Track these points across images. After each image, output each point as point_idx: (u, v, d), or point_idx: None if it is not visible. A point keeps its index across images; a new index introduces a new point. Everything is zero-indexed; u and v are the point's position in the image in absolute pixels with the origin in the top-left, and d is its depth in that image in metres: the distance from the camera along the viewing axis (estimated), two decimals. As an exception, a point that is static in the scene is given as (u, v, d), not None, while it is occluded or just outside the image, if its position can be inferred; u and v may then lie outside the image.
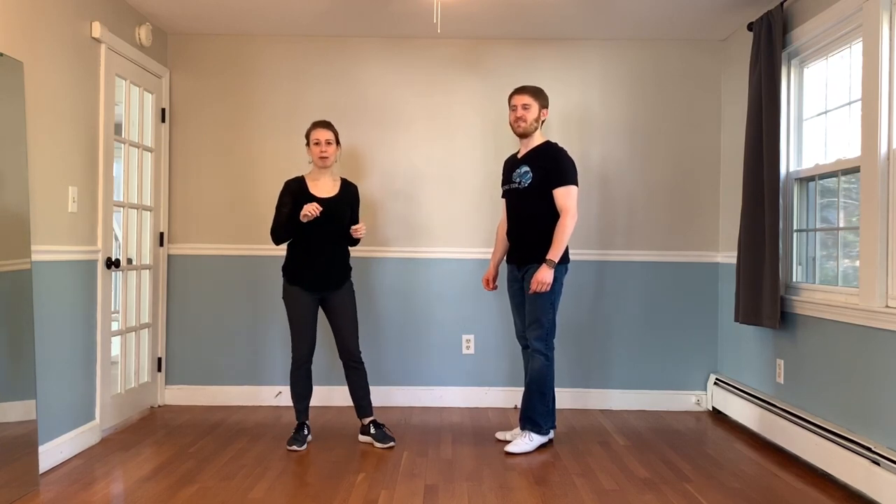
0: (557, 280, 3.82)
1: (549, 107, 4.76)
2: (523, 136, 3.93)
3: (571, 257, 4.73)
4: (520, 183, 3.87)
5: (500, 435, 4.05)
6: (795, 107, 3.97)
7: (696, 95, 4.85)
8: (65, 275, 3.58)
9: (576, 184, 3.83)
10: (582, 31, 4.69)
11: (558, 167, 3.82)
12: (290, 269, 3.85)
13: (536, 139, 3.92)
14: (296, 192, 3.83)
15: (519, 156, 3.97)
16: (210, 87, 4.83)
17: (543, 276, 3.72)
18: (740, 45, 4.55)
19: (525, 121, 3.87)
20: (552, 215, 3.80)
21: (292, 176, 4.80)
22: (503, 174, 4.06)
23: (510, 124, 3.96)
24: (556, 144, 3.93)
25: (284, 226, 3.81)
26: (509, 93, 4.04)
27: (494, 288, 4.15)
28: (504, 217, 4.06)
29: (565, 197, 3.79)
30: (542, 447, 3.88)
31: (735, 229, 4.45)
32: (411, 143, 4.83)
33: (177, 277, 4.81)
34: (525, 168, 3.87)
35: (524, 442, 3.82)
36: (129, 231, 4.40)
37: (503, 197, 4.05)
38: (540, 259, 3.78)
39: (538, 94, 3.91)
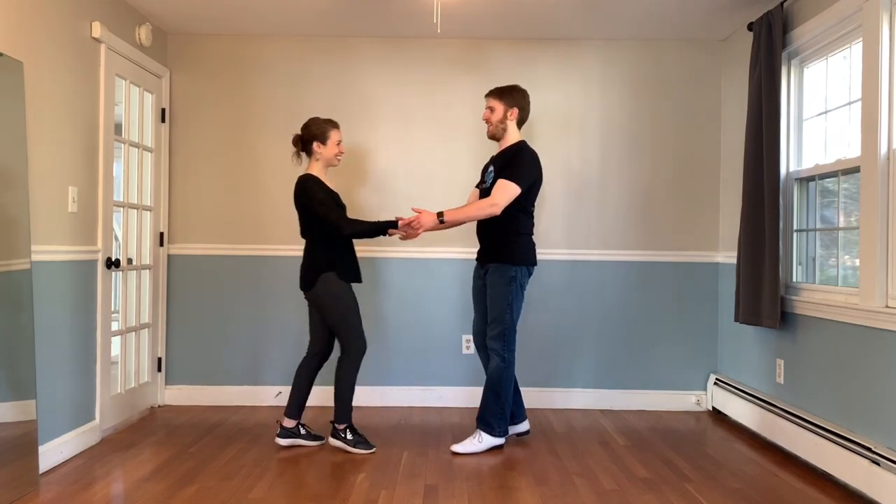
0: (515, 281, 3.76)
1: (550, 106, 4.77)
2: (492, 138, 3.92)
3: (571, 256, 4.77)
4: (486, 182, 3.89)
5: (458, 448, 3.79)
6: (795, 107, 3.97)
7: (696, 95, 4.85)
8: (65, 275, 3.58)
9: (519, 185, 3.69)
10: (582, 31, 4.69)
11: (511, 163, 3.75)
12: (343, 265, 3.75)
13: (510, 139, 3.87)
14: (324, 188, 3.79)
15: (492, 157, 3.98)
16: (210, 87, 4.83)
17: (423, 220, 3.65)
18: (740, 45, 4.55)
19: (490, 123, 3.88)
20: (513, 215, 3.75)
21: (290, 175, 4.81)
22: (482, 174, 4.06)
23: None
24: (523, 145, 3.85)
25: (365, 223, 3.73)
26: None
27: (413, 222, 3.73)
28: (473, 194, 4.08)
29: (500, 188, 3.69)
30: (493, 449, 3.81)
31: (735, 229, 4.45)
32: (411, 142, 4.83)
33: (177, 277, 4.81)
34: (491, 168, 3.89)
35: (473, 442, 3.77)
36: (129, 231, 4.40)
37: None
38: (500, 258, 3.77)
39: (504, 95, 3.84)
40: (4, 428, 2.99)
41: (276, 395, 4.80)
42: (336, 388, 3.77)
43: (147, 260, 4.57)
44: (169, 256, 4.81)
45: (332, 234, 3.72)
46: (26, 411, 3.13)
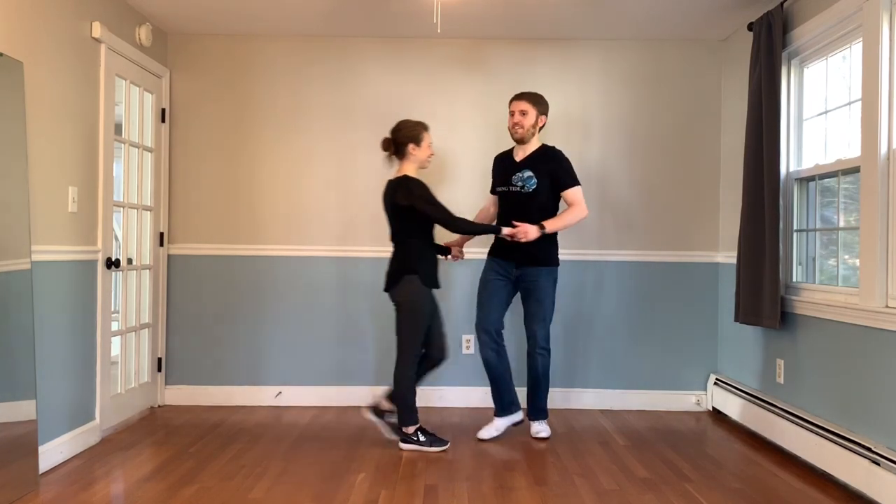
0: (557, 281, 4.06)
1: (550, 107, 4.80)
2: (520, 141, 4.03)
3: (571, 256, 4.77)
4: (523, 187, 3.98)
5: (483, 434, 4.03)
6: (795, 107, 3.97)
7: (696, 95, 4.85)
8: (65, 275, 3.58)
9: (580, 185, 4.05)
10: (582, 31, 4.69)
11: (566, 171, 4.01)
12: (427, 270, 3.78)
13: (533, 143, 4.04)
14: (427, 188, 3.82)
15: (517, 159, 4.03)
16: (210, 87, 4.83)
17: (530, 232, 3.81)
18: (740, 45, 4.55)
19: (522, 127, 3.98)
20: (552, 217, 3.97)
21: (290, 176, 4.82)
22: (498, 174, 4.15)
23: (508, 129, 4.03)
24: (555, 148, 4.07)
25: (473, 223, 3.86)
26: (510, 93, 4.09)
27: (458, 256, 4.19)
28: (490, 208, 4.27)
29: (577, 194, 4.01)
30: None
31: (735, 229, 4.45)
32: (411, 143, 4.83)
33: (177, 277, 4.81)
34: (528, 173, 3.97)
35: (546, 426, 4.08)
36: (129, 231, 4.40)
37: (493, 194, 4.22)
38: (548, 262, 3.98)
39: (537, 101, 4.00)
40: (4, 428, 2.99)
41: (276, 394, 4.80)
42: (395, 393, 3.81)
43: (147, 260, 4.57)
44: (169, 256, 4.81)
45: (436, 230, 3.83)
46: (26, 411, 3.13)
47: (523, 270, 3.97)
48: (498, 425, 4.05)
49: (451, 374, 4.82)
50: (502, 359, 4.04)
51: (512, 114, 4.00)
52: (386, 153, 3.91)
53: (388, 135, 3.90)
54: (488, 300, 4.05)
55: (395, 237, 3.85)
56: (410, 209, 3.74)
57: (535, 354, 4.01)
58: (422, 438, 3.79)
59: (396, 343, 3.82)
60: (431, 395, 4.81)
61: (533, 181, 3.95)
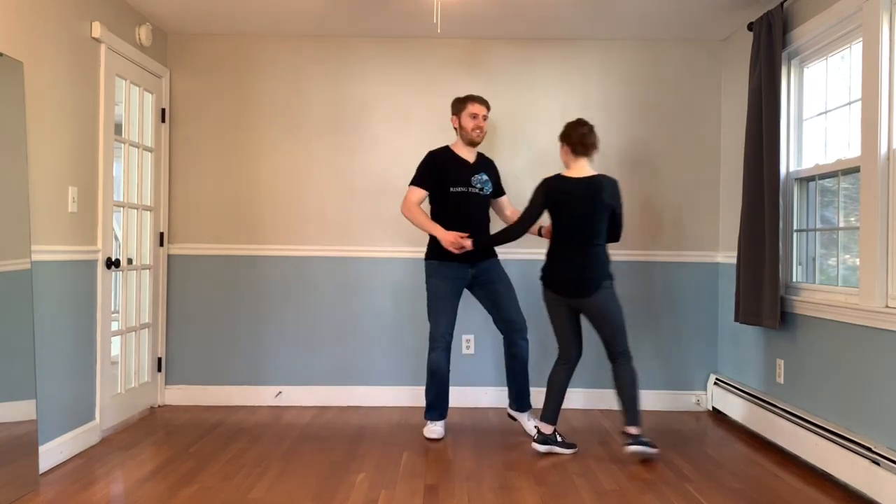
0: None
1: (549, 106, 4.84)
2: (475, 144, 4.10)
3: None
4: (482, 189, 4.08)
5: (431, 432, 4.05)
6: (795, 107, 3.97)
7: (696, 95, 4.85)
8: (65, 275, 3.58)
9: None
10: (582, 31, 4.69)
11: (499, 178, 4.26)
12: (549, 276, 3.80)
13: (476, 149, 4.17)
14: None
15: (470, 161, 4.10)
16: (210, 87, 4.83)
17: None
18: (740, 45, 4.55)
19: (483, 132, 4.07)
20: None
21: (290, 175, 4.83)
22: (450, 173, 4.03)
23: (467, 131, 4.03)
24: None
25: None
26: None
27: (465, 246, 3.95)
28: (418, 200, 4.04)
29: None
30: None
31: (735, 229, 4.45)
32: (411, 143, 4.83)
33: (177, 277, 4.81)
34: (485, 177, 4.11)
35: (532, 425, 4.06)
36: (129, 231, 4.41)
37: (455, 196, 4.03)
38: (494, 253, 4.11)
39: (489, 108, 4.13)
40: (4, 428, 2.99)
41: (276, 394, 4.80)
42: (630, 393, 3.71)
43: (147, 260, 4.57)
44: (169, 256, 4.81)
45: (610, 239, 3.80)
46: (26, 411, 3.13)
47: (478, 268, 4.04)
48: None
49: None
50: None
51: (475, 117, 4.02)
52: (590, 154, 3.81)
53: (590, 138, 3.79)
54: (450, 311, 4.05)
55: (587, 239, 3.70)
56: (610, 210, 3.71)
57: (521, 342, 4.06)
58: (558, 438, 3.80)
59: (618, 350, 3.72)
60: (431, 395, 4.80)
61: (489, 185, 4.11)
